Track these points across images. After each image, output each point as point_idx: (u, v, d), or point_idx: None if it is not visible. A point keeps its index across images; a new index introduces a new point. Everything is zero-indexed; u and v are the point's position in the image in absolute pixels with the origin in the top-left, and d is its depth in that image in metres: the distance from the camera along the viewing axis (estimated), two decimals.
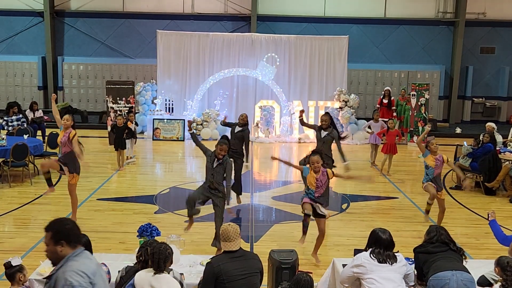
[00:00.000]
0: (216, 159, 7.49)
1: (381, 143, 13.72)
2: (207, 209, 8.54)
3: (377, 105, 17.65)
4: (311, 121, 17.63)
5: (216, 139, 16.16)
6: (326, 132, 9.39)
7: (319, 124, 9.63)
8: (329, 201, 7.65)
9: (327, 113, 9.80)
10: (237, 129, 9.95)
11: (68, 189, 8.74)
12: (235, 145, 9.71)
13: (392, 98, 17.59)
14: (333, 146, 9.42)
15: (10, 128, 13.86)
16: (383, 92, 17.73)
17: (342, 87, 17.99)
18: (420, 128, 17.04)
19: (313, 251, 7.55)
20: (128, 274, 4.71)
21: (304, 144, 17.07)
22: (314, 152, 7.40)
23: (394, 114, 17.65)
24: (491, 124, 12.97)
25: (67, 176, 8.62)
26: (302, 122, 10.31)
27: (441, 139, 18.23)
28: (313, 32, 20.19)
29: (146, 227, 6.02)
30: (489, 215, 6.46)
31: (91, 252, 4.83)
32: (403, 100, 17.66)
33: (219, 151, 7.45)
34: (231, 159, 7.98)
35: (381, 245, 4.98)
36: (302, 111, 10.31)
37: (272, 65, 17.84)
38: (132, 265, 4.88)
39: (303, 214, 7.29)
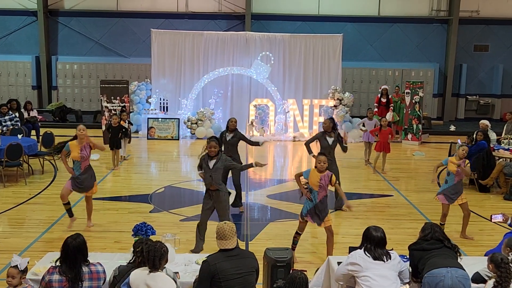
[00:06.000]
0: (210, 159, 7.38)
1: (375, 141, 13.75)
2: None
3: (375, 104, 17.64)
4: (306, 120, 17.71)
5: None
6: (332, 139, 9.48)
7: (323, 129, 9.65)
8: (327, 210, 7.33)
9: (331, 118, 9.89)
10: (228, 136, 9.55)
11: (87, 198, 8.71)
12: (229, 152, 9.30)
13: (390, 96, 17.61)
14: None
15: (4, 128, 13.75)
16: (380, 90, 17.73)
17: (336, 86, 18.00)
18: (415, 125, 17.07)
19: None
20: (121, 273, 4.70)
21: (299, 142, 17.08)
22: (321, 153, 7.26)
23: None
24: (484, 122, 13.00)
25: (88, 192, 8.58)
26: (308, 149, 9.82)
27: (435, 136, 18.33)
28: (307, 31, 20.22)
29: (141, 226, 6.01)
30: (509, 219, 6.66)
31: (86, 252, 4.83)
32: (397, 97, 17.70)
33: (211, 149, 7.33)
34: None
35: (372, 242, 5.01)
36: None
37: (267, 64, 17.83)
38: (125, 264, 4.88)
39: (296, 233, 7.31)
